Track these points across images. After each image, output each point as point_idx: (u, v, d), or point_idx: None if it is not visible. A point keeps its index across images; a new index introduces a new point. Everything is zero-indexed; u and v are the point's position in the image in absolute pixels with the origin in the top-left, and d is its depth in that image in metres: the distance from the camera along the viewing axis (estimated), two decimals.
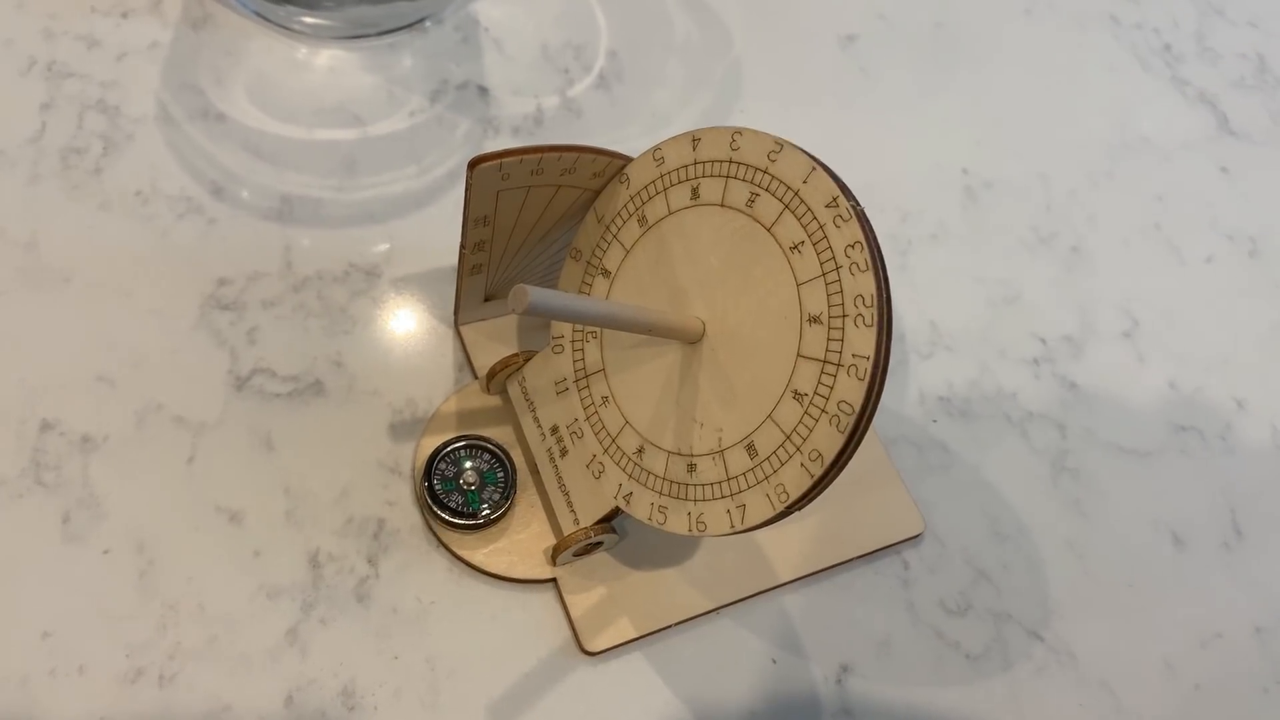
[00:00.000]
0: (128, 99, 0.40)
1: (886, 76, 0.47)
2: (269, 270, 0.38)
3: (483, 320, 0.37)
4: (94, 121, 0.40)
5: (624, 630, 0.33)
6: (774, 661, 0.34)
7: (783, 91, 0.45)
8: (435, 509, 0.33)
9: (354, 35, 0.43)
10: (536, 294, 0.26)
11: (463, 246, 0.33)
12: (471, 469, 0.34)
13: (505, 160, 0.30)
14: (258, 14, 0.43)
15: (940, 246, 0.43)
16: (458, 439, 0.34)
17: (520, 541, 0.34)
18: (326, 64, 0.42)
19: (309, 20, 0.43)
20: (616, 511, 0.32)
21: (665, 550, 0.35)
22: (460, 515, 0.33)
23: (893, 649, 0.35)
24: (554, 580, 0.34)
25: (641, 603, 0.34)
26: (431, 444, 0.34)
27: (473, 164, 0.30)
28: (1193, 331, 0.43)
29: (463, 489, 0.34)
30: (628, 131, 0.43)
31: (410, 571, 0.34)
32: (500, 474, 0.34)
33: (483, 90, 0.43)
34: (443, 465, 0.34)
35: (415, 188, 0.40)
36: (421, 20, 0.44)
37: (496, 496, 0.34)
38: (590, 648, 0.33)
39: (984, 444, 0.39)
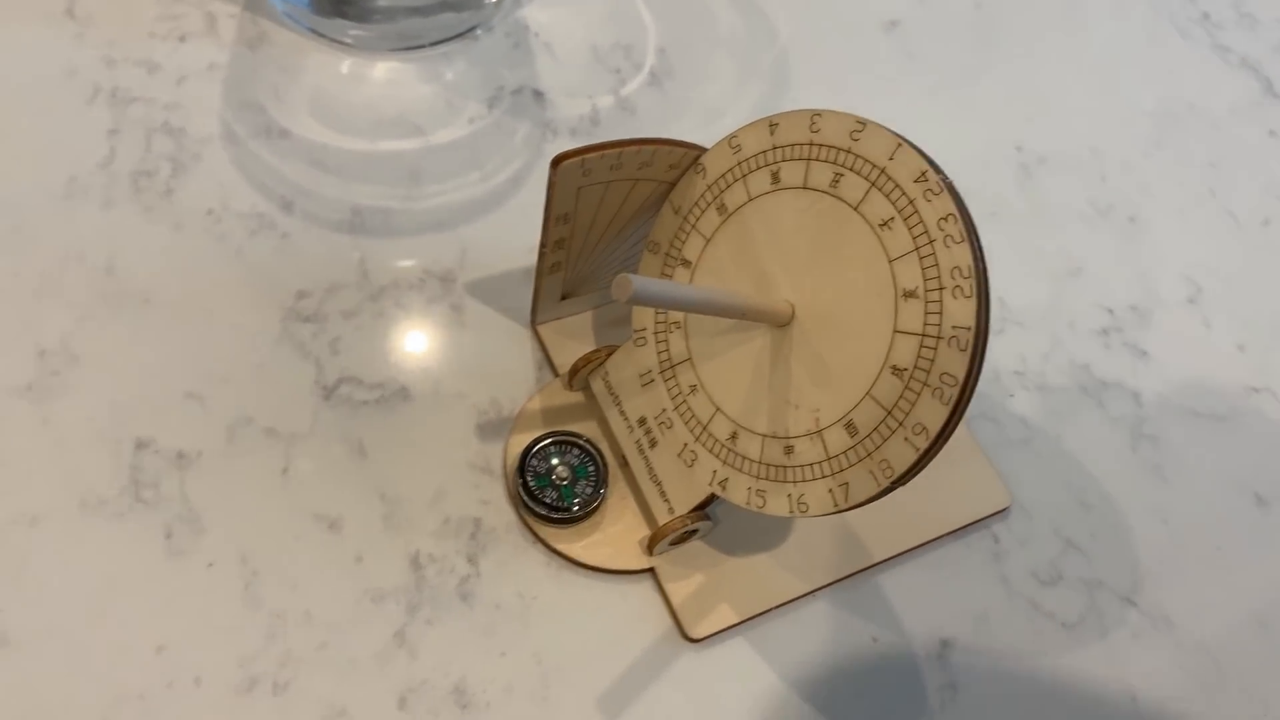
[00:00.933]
0: (191, 120, 0.41)
1: (932, 59, 0.47)
2: (346, 281, 0.38)
3: (559, 319, 0.37)
4: (161, 144, 0.40)
5: (725, 616, 0.34)
6: (874, 640, 0.34)
7: (831, 79, 0.46)
8: (530, 504, 0.34)
9: (407, 47, 0.43)
10: (640, 282, 0.26)
11: (543, 245, 0.33)
12: (562, 464, 0.34)
13: (588, 157, 0.30)
14: (311, 30, 0.43)
15: (1000, 224, 0.43)
16: (546, 435, 0.35)
17: (615, 534, 0.34)
18: (383, 76, 0.43)
19: (361, 34, 0.43)
20: (711, 498, 0.32)
21: (759, 534, 0.35)
22: (555, 510, 0.34)
23: (990, 622, 0.35)
24: (652, 570, 0.34)
25: (740, 587, 0.34)
26: (521, 442, 0.35)
27: (556, 162, 0.30)
28: (1256, 294, 0.43)
29: (556, 484, 0.34)
30: (683, 126, 0.43)
31: (510, 568, 0.34)
32: (591, 468, 0.34)
33: (538, 94, 0.43)
34: (534, 462, 0.34)
35: (480, 193, 0.41)
36: (472, 29, 0.44)
37: (589, 490, 0.34)
38: (693, 634, 0.33)
39: (1062, 415, 0.39)
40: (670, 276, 0.33)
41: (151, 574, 0.32)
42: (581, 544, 0.34)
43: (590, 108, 0.43)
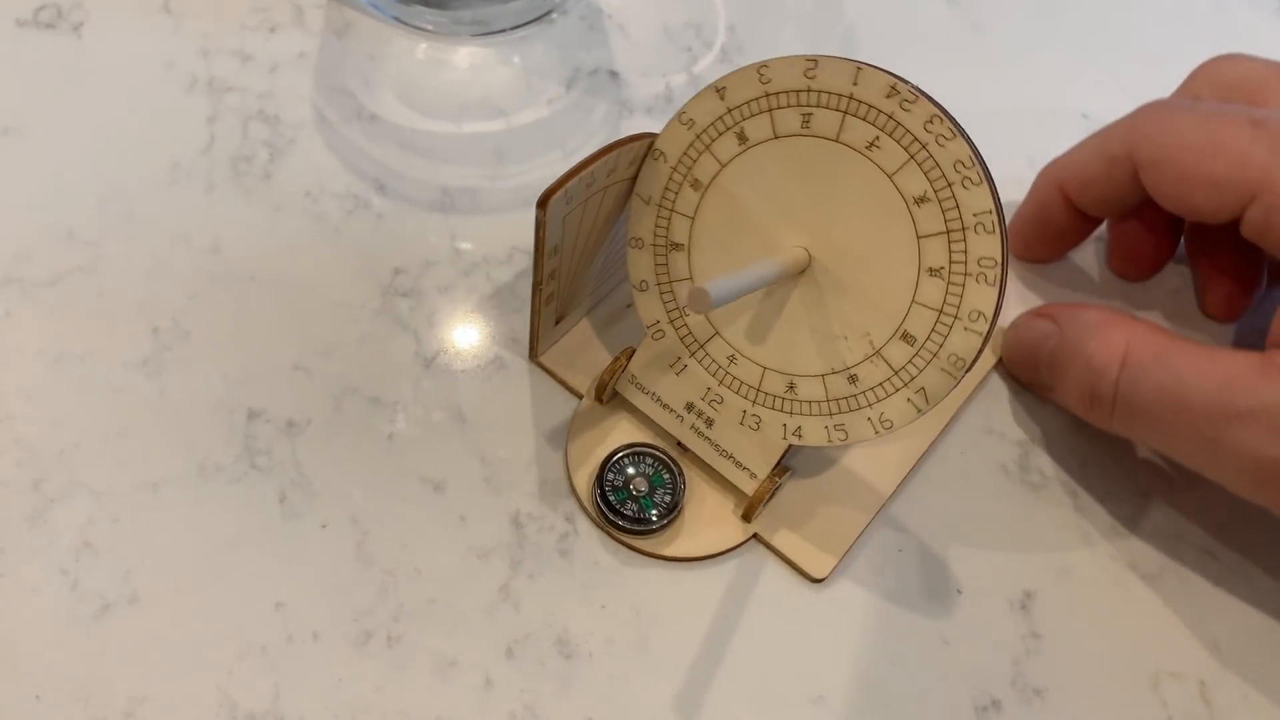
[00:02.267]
0: (284, 107, 0.42)
1: (997, 30, 0.48)
2: (439, 258, 0.40)
3: (555, 343, 0.37)
4: (257, 130, 0.42)
5: (838, 543, 0.34)
6: (959, 592, 0.35)
7: (897, 51, 0.47)
8: (611, 518, 0.34)
9: (486, 32, 0.45)
10: (715, 288, 0.27)
11: (537, 282, 0.33)
12: (638, 475, 0.35)
13: (568, 186, 0.29)
14: (395, 18, 0.45)
15: None
16: (618, 450, 0.35)
17: (704, 519, 0.35)
18: (465, 61, 0.44)
19: (440, 20, 0.45)
20: (788, 451, 0.34)
21: (823, 459, 0.36)
22: (637, 522, 0.34)
23: (1072, 573, 0.36)
24: (754, 537, 0.35)
25: (832, 515, 0.35)
26: (585, 474, 0.35)
27: (542, 202, 0.29)
28: None
29: (634, 496, 0.34)
30: None
31: None
32: (666, 476, 0.35)
33: (613, 74, 0.44)
34: (610, 475, 0.35)
35: (561, 171, 0.42)
36: (548, 13, 0.46)
37: (667, 499, 0.34)
38: (818, 574, 0.34)
39: None
40: (666, 263, 0.33)
41: (268, 535, 0.34)
42: (675, 544, 0.34)
43: (664, 86, 0.45)
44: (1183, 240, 0.40)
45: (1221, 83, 0.36)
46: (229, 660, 0.32)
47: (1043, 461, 0.38)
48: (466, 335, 0.38)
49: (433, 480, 0.35)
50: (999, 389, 0.39)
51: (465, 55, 0.45)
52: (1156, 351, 0.32)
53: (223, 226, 0.39)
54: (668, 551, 0.34)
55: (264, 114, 0.42)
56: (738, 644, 0.34)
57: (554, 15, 0.46)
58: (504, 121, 0.43)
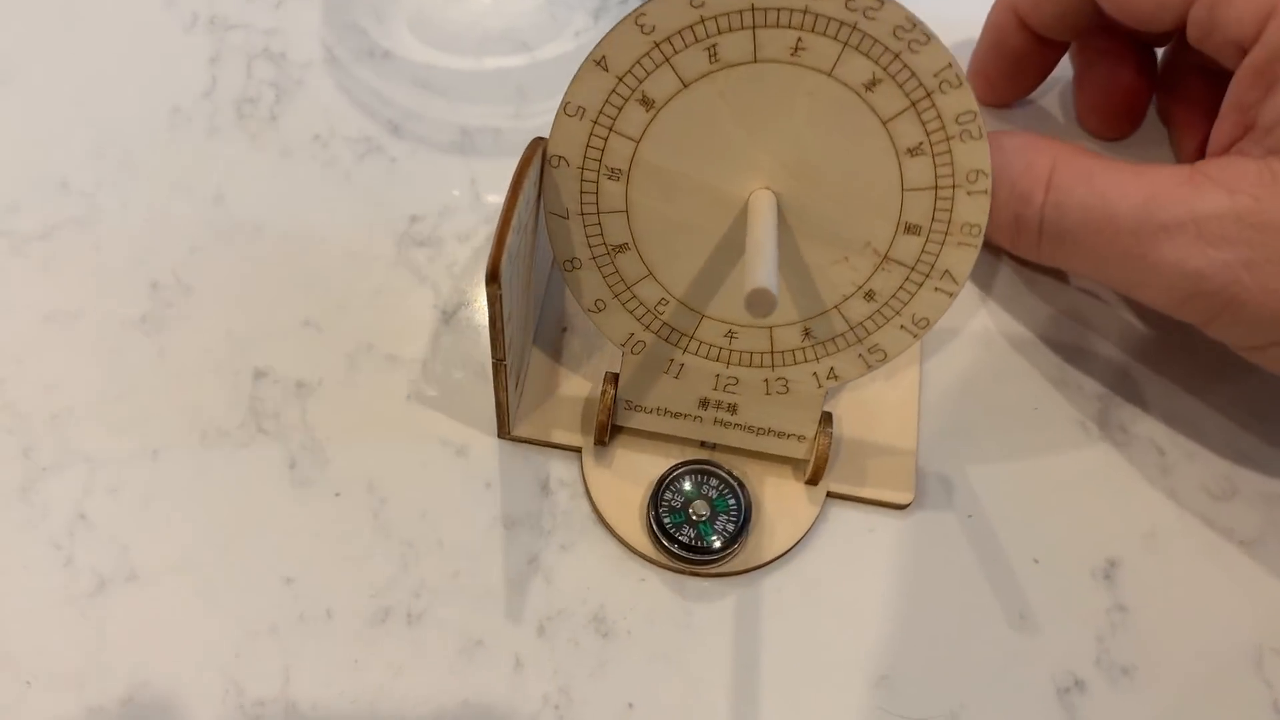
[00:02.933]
0: (292, 45, 0.39)
1: None
2: (459, 204, 0.36)
3: (520, 409, 0.33)
4: (263, 70, 0.39)
5: (904, 470, 0.32)
6: (1036, 561, 0.32)
7: None
8: (666, 544, 0.30)
9: None
10: (765, 278, 0.24)
11: (499, 358, 0.29)
12: (700, 499, 0.31)
13: (509, 244, 0.26)
14: None
15: None
16: (680, 465, 0.32)
17: (775, 509, 0.32)
18: None
19: None
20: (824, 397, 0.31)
21: (852, 409, 0.33)
22: (694, 551, 0.31)
23: (1159, 539, 0.32)
24: (827, 496, 0.32)
25: (877, 444, 0.32)
26: (629, 514, 0.31)
27: (492, 275, 0.25)
28: None
29: (693, 520, 0.31)
30: None
31: None
32: (732, 501, 0.31)
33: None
34: (668, 495, 0.31)
35: None
36: None
37: (731, 528, 0.31)
38: (905, 499, 0.32)
39: None
40: (615, 273, 0.29)
41: (277, 505, 0.31)
42: (746, 551, 0.31)
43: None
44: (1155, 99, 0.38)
45: None
46: (235, 642, 0.30)
47: (1126, 415, 0.34)
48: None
49: (454, 444, 0.32)
50: (1073, 336, 0.35)
51: None
52: (1082, 172, 0.30)
53: (226, 174, 0.37)
54: (736, 566, 0.31)
55: (269, 52, 0.39)
56: (791, 623, 0.31)
57: None
58: (528, 56, 0.40)
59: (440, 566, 0.31)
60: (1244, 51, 0.29)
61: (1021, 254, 0.33)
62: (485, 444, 0.32)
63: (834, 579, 0.31)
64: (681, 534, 0.30)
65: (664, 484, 0.31)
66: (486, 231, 0.36)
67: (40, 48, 0.39)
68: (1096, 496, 0.33)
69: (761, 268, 0.24)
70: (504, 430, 0.32)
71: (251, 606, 0.30)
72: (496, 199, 0.36)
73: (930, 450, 0.33)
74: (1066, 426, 0.34)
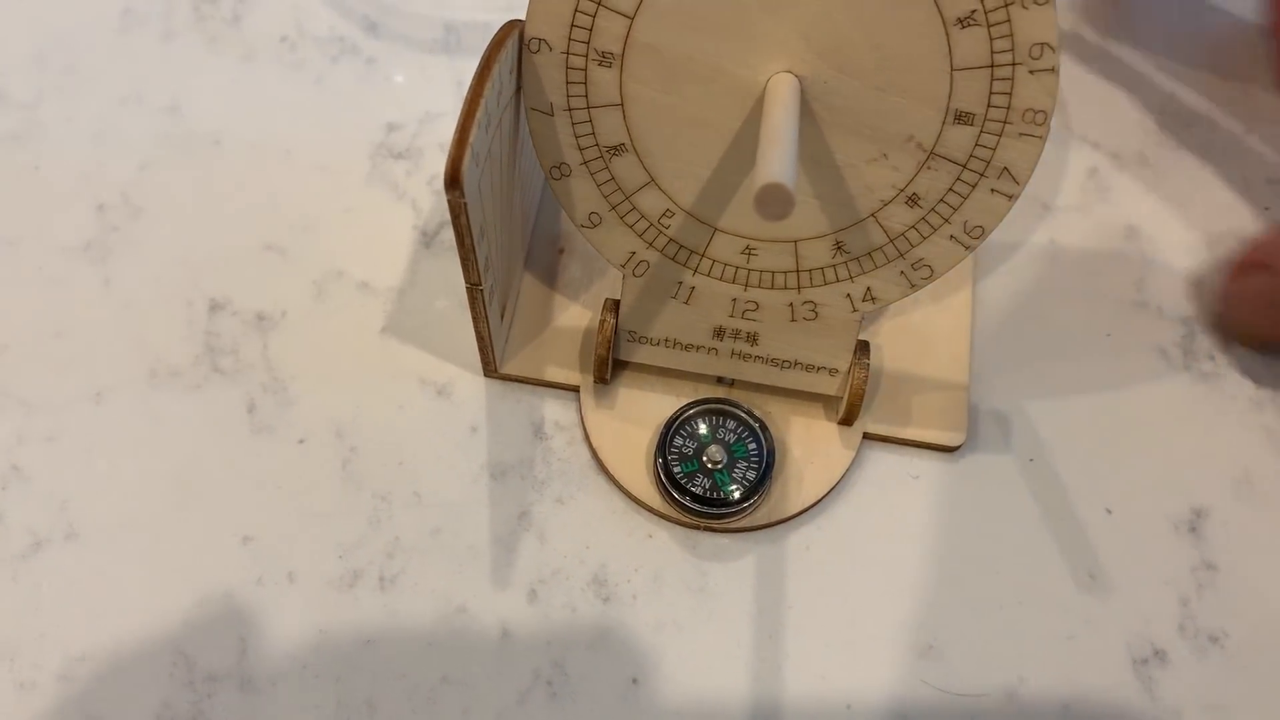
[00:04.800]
0: None
1: None
2: (443, 109, 0.32)
3: (509, 344, 0.29)
4: None
5: (956, 408, 0.28)
6: (1108, 512, 0.27)
7: None
8: (677, 497, 0.26)
9: None
10: (780, 173, 0.19)
11: (474, 283, 0.25)
12: (716, 445, 0.27)
13: (473, 142, 0.22)
14: None
15: None
16: (691, 406, 0.27)
17: (799, 455, 0.28)
18: None
19: None
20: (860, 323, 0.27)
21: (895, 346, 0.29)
22: (709, 503, 0.26)
23: (1254, 486, 0.28)
24: (864, 437, 0.28)
25: (924, 381, 0.28)
26: (634, 461, 0.27)
27: (452, 179, 0.21)
28: None
29: (708, 468, 0.27)
30: None
31: None
32: (752, 445, 0.27)
33: None
34: (679, 440, 0.27)
35: None
36: None
37: (751, 476, 0.27)
38: (955, 441, 0.28)
39: None
40: (611, 180, 0.25)
41: (234, 454, 0.28)
42: (770, 502, 0.27)
43: None
44: None
45: None
46: (185, 609, 0.26)
47: (1214, 341, 0.29)
48: None
49: (435, 383, 0.28)
50: (1152, 249, 0.30)
51: None
52: None
53: (182, 82, 0.33)
54: (755, 521, 0.27)
55: None
56: (821, 585, 0.27)
57: None
58: None
59: (418, 522, 0.27)
60: None
61: None
62: (470, 383, 0.28)
63: (871, 534, 0.27)
64: (694, 484, 0.26)
65: (674, 427, 0.27)
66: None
67: None
68: (1179, 436, 0.28)
69: (775, 159, 0.20)
70: (489, 367, 0.28)
71: (204, 569, 0.27)
72: None
73: (984, 384, 0.29)
74: (1144, 355, 0.29)
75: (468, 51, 0.33)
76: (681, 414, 0.27)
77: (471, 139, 0.21)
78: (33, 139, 0.32)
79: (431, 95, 0.32)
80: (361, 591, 0.26)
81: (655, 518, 0.27)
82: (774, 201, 0.19)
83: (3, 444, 0.28)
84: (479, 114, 0.22)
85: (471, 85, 0.22)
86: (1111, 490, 0.28)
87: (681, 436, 0.27)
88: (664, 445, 0.27)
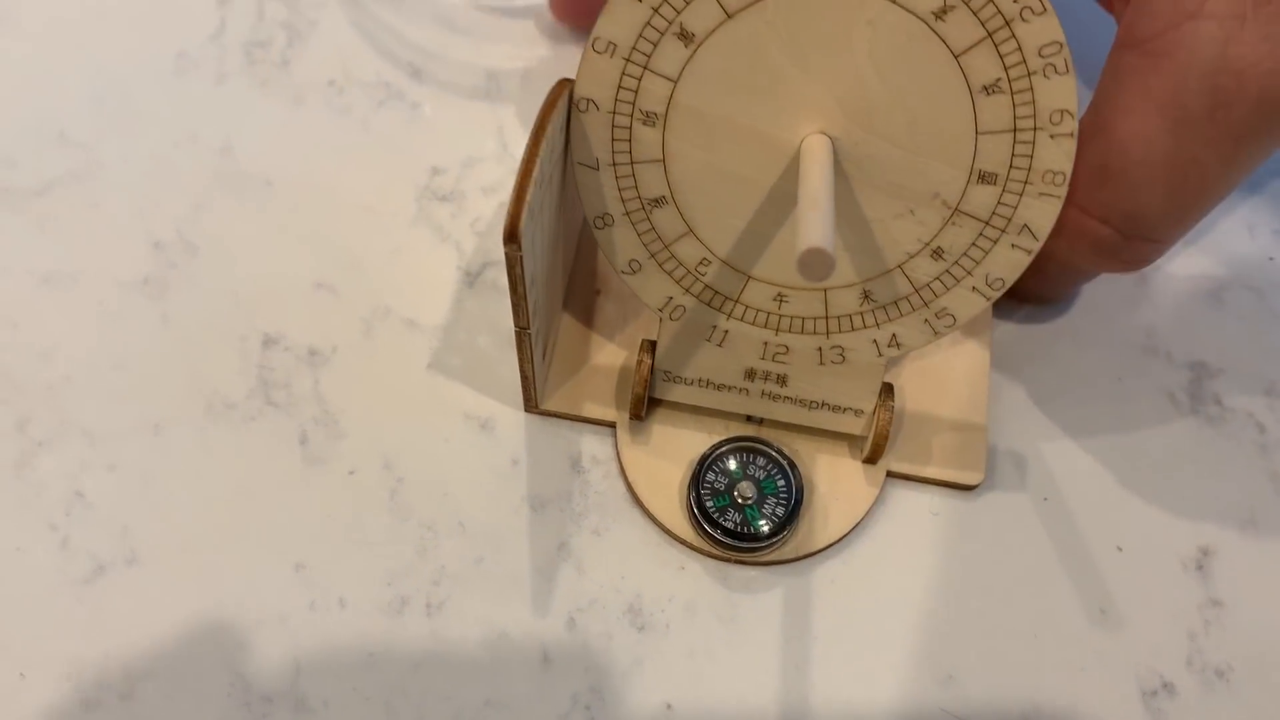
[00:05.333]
0: None
1: None
2: (484, 154, 0.34)
3: (545, 381, 0.30)
4: (274, 10, 0.36)
5: (976, 444, 0.29)
6: (1119, 549, 0.29)
7: None
8: (709, 530, 0.28)
9: None
10: (820, 238, 0.21)
11: (523, 328, 0.26)
12: (746, 481, 0.28)
13: (529, 200, 0.23)
14: None
15: None
16: (724, 443, 0.29)
17: (824, 492, 0.29)
18: None
19: None
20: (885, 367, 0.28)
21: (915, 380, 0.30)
22: (739, 537, 0.28)
23: (1259, 526, 0.29)
24: (887, 475, 0.29)
25: (941, 420, 0.30)
26: (667, 496, 0.29)
27: (510, 235, 0.23)
28: None
29: (738, 504, 0.28)
30: None
31: None
32: (781, 481, 0.28)
33: None
34: (711, 476, 0.28)
35: None
36: None
37: (780, 512, 0.28)
38: (974, 480, 0.29)
39: None
40: (651, 230, 0.26)
41: (287, 484, 0.29)
42: (798, 537, 0.28)
43: None
44: None
45: None
46: (242, 632, 0.27)
47: (1221, 387, 0.31)
48: None
49: (479, 417, 0.30)
50: (1162, 295, 0.32)
51: None
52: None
53: (235, 123, 0.34)
54: (788, 553, 0.28)
55: None
56: (846, 616, 0.28)
57: None
58: None
59: (462, 551, 0.28)
60: None
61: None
62: (511, 418, 0.30)
63: (894, 567, 0.28)
64: (726, 519, 0.28)
65: (706, 464, 0.28)
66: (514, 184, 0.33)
67: None
68: (1188, 477, 0.30)
69: (817, 225, 0.21)
70: (530, 404, 0.29)
71: (259, 594, 0.28)
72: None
73: (1001, 424, 0.30)
74: (1154, 398, 0.31)
75: (508, 98, 0.34)
76: (713, 451, 0.29)
77: (529, 197, 0.23)
78: (92, 177, 0.33)
79: (473, 140, 0.34)
80: (409, 617, 0.28)
81: (687, 550, 0.29)
82: (816, 264, 0.21)
83: (66, 472, 0.29)
84: (535, 173, 0.23)
85: (528, 145, 0.23)
86: (1123, 528, 0.29)
87: (714, 473, 0.29)
88: (697, 481, 0.28)
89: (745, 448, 0.29)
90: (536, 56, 0.35)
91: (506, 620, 0.28)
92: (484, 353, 0.31)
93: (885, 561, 0.28)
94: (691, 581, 0.28)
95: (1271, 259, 0.33)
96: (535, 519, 0.29)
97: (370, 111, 0.34)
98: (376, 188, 0.33)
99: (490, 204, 0.33)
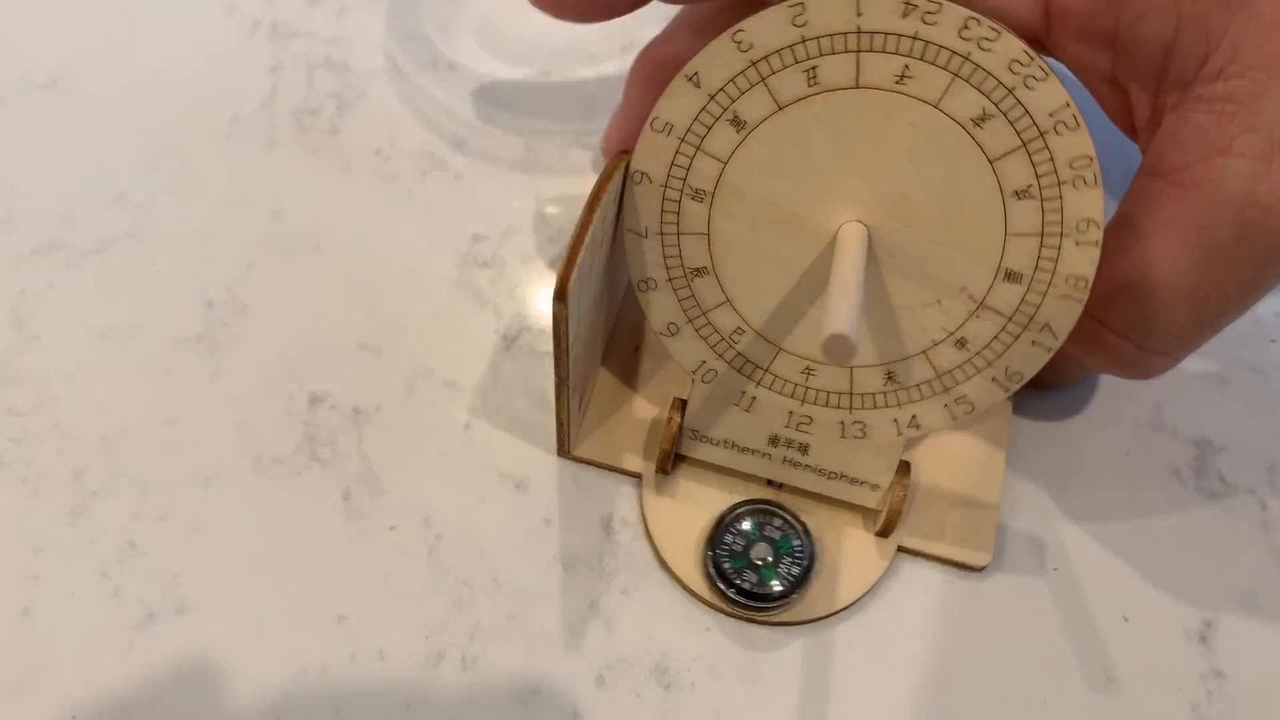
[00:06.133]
0: (354, 54, 0.38)
1: None
2: (523, 223, 0.35)
3: (579, 428, 0.31)
4: (324, 80, 0.38)
5: (986, 525, 0.30)
6: (1125, 620, 0.30)
7: None
8: (724, 589, 0.29)
9: None
10: (845, 324, 0.22)
11: (563, 379, 0.28)
12: (763, 541, 0.30)
13: (579, 263, 0.25)
14: None
15: None
16: (740, 505, 0.30)
17: (837, 559, 0.30)
18: None
19: None
20: (903, 445, 0.29)
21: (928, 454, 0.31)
22: (754, 597, 0.29)
23: (1260, 600, 0.30)
24: (898, 549, 0.31)
25: (956, 501, 0.31)
26: (686, 553, 0.30)
27: (560, 294, 0.25)
28: None
29: (754, 565, 0.29)
30: None
31: None
32: (796, 543, 0.30)
33: None
34: (729, 538, 0.30)
35: None
36: None
37: (796, 571, 0.29)
38: (981, 561, 0.30)
39: None
40: (691, 297, 0.28)
41: (330, 538, 0.30)
42: (808, 599, 0.30)
43: None
44: None
45: None
46: (285, 680, 0.29)
47: (1224, 464, 0.32)
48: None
49: (514, 477, 0.31)
50: (1169, 374, 0.33)
51: None
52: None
53: (284, 188, 0.36)
54: (800, 616, 0.30)
55: (331, 62, 0.38)
56: (860, 681, 0.29)
57: None
58: (596, 69, 0.38)
59: (496, 608, 0.29)
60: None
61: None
62: (545, 478, 0.31)
63: (904, 635, 0.30)
64: (743, 579, 0.29)
65: (724, 525, 0.30)
66: (552, 253, 0.35)
67: (99, 55, 0.38)
68: (1191, 552, 0.31)
69: (844, 312, 0.23)
70: (564, 449, 0.31)
71: (302, 644, 0.29)
72: (562, 217, 0.35)
73: (1013, 497, 0.31)
74: (1160, 474, 0.32)
75: (545, 170, 0.36)
76: (730, 513, 0.30)
77: (579, 260, 0.24)
78: (147, 237, 0.35)
79: (513, 209, 0.35)
80: (445, 670, 0.29)
81: (710, 611, 0.30)
82: (839, 349, 0.22)
83: (120, 521, 0.30)
84: (587, 238, 0.25)
85: (584, 211, 0.25)
86: (1129, 600, 0.30)
87: (731, 534, 0.30)
88: (715, 541, 0.30)
89: (761, 509, 0.30)
90: (572, 130, 0.37)
91: (538, 675, 0.29)
92: (520, 415, 0.32)
93: (895, 629, 0.30)
94: (715, 642, 0.29)
95: (1274, 341, 0.34)
96: (567, 578, 0.30)
97: (415, 180, 0.36)
98: (420, 253, 0.34)
99: (528, 270, 0.34)
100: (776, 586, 0.29)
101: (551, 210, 0.35)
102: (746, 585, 0.29)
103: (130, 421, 0.32)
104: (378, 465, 0.31)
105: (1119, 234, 0.26)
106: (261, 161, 0.36)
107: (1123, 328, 0.27)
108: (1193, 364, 0.33)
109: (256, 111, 0.37)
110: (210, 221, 0.35)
